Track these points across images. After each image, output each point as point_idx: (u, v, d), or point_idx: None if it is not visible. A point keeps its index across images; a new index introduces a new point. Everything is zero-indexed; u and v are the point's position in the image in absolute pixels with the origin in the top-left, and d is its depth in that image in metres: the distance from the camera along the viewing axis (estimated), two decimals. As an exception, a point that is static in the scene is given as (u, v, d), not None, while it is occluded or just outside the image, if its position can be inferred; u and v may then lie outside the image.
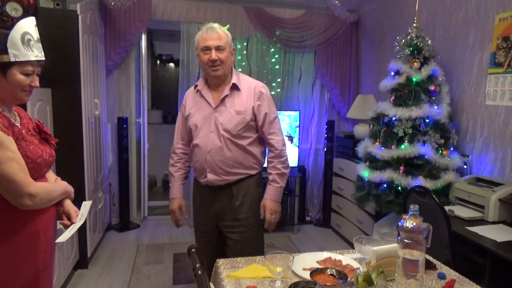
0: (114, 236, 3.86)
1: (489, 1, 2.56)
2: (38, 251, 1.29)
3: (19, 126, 1.31)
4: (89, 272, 3.06)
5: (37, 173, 1.29)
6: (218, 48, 1.85)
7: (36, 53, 1.29)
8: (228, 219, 1.99)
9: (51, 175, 1.46)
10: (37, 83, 1.32)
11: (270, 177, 1.98)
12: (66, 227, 1.36)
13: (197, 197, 2.12)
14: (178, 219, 2.15)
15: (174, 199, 2.14)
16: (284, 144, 1.98)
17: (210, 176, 1.94)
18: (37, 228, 1.28)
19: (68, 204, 1.41)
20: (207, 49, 1.85)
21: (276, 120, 1.97)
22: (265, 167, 2.04)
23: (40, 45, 1.32)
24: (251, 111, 1.90)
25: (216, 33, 1.85)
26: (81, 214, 1.41)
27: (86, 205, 1.46)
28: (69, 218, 1.38)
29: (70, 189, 1.45)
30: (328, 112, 4.53)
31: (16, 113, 1.35)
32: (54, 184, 1.38)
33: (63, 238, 1.30)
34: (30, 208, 1.22)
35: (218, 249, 2.05)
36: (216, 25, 1.90)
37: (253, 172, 1.98)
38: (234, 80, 1.93)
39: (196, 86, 2.03)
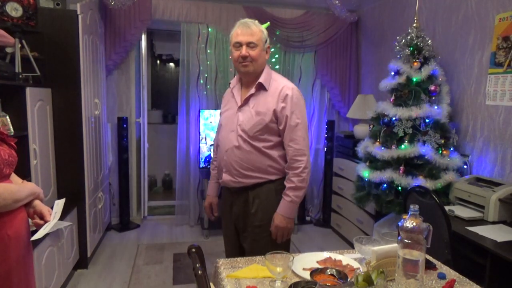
0: (114, 236, 3.86)
1: (489, 1, 2.56)
2: (9, 253, 1.26)
3: None
4: (89, 272, 3.06)
5: None
6: (250, 44, 1.78)
7: None
8: (245, 225, 1.89)
9: (15, 178, 1.43)
10: None
11: (285, 190, 1.81)
12: (39, 227, 1.34)
13: (222, 200, 2.05)
14: (209, 215, 2.12)
15: (207, 196, 2.13)
16: (302, 155, 1.78)
17: (225, 177, 1.88)
18: (6, 230, 1.24)
19: (39, 204, 1.39)
20: (239, 45, 1.79)
21: (299, 127, 1.79)
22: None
23: None
24: (271, 113, 1.78)
25: (249, 29, 1.77)
26: (55, 212, 1.39)
27: (59, 203, 1.44)
28: (42, 218, 1.36)
29: (38, 190, 1.41)
30: (328, 112, 4.53)
31: None
32: (19, 185, 1.34)
33: (38, 235, 1.28)
34: None
35: (242, 251, 1.96)
36: (251, 21, 1.82)
37: (272, 177, 1.84)
38: (261, 79, 1.83)
39: (230, 84, 2.00)
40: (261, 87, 1.84)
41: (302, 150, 1.79)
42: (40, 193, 1.42)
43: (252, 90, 1.84)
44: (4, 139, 1.35)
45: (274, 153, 1.83)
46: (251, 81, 1.87)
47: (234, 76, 2.08)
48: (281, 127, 1.81)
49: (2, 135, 1.35)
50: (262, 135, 1.81)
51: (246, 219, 1.88)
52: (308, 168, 1.81)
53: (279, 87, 1.82)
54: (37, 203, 1.39)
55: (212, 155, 2.19)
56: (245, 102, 1.85)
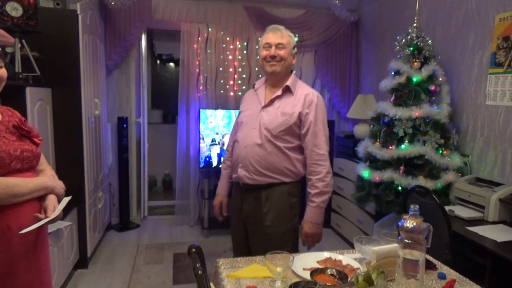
0: (114, 236, 3.86)
1: (489, 1, 2.56)
2: (11, 244, 1.26)
3: None
4: (89, 272, 3.06)
5: (3, 168, 1.25)
6: (279, 45, 1.85)
7: None
8: (254, 224, 1.90)
9: (47, 171, 1.46)
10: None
11: (309, 196, 1.87)
12: (40, 220, 1.33)
13: (232, 198, 2.08)
14: (218, 214, 2.15)
15: (217, 195, 2.16)
16: (324, 160, 1.84)
17: (241, 172, 1.90)
18: (8, 223, 1.25)
19: (48, 199, 1.37)
20: (268, 46, 1.86)
21: (322, 133, 1.85)
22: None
23: None
24: (297, 116, 1.84)
25: (279, 32, 1.87)
26: (58, 209, 1.37)
27: (65, 200, 1.44)
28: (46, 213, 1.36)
29: (51, 184, 1.40)
30: (328, 112, 4.52)
31: None
32: (20, 179, 1.30)
33: (26, 230, 1.25)
34: None
35: (249, 250, 1.97)
36: (282, 27, 1.91)
37: (287, 179, 1.88)
38: (289, 82, 1.90)
39: (254, 85, 2.06)
40: (288, 90, 1.90)
41: (325, 155, 1.85)
42: (54, 188, 1.40)
43: (279, 92, 1.89)
44: (24, 134, 1.37)
45: (293, 155, 1.88)
46: (277, 83, 1.93)
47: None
48: (303, 132, 1.86)
49: (23, 131, 1.36)
50: (285, 136, 1.85)
51: (256, 218, 1.90)
52: (330, 173, 1.86)
53: (305, 93, 1.89)
54: (49, 197, 1.38)
55: (225, 155, 2.19)
56: (270, 103, 1.90)
